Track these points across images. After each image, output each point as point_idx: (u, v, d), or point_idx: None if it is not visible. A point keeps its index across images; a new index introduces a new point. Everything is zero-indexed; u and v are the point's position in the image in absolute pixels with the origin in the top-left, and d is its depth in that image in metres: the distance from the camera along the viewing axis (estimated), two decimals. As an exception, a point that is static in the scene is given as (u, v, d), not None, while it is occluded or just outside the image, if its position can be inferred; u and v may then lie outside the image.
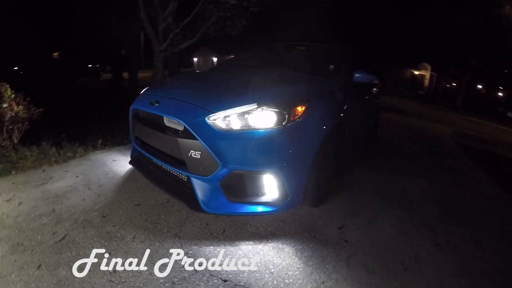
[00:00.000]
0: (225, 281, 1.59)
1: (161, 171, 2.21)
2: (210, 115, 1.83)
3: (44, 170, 2.70)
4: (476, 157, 5.51)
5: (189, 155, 1.84)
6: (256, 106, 1.84)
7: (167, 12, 5.16)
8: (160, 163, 2.11)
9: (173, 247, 1.80)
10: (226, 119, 1.82)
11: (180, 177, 2.05)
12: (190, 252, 1.78)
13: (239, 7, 5.29)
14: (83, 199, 2.25)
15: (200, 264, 1.68)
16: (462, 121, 14.40)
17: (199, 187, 1.90)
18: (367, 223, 2.35)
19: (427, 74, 31.50)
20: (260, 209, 1.91)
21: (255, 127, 1.81)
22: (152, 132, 2.11)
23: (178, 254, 1.75)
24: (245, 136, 1.80)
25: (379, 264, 1.88)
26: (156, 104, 2.07)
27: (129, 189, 2.44)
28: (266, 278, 1.64)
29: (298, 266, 1.76)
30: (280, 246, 1.92)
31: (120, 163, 2.97)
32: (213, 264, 1.69)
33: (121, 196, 2.32)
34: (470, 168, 4.64)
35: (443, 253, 2.10)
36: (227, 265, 1.70)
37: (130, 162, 2.60)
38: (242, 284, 1.59)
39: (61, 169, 2.73)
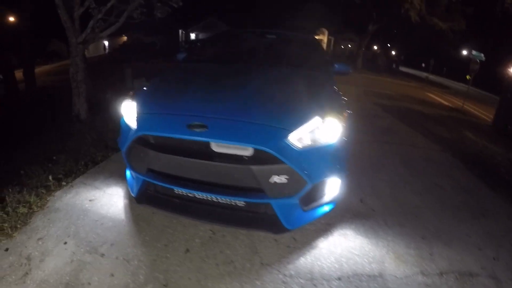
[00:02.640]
0: (348, 277, 1.71)
1: (199, 203, 1.91)
2: (289, 135, 1.75)
3: (6, 250, 1.82)
4: (397, 115, 6.80)
5: (270, 181, 1.70)
6: (320, 119, 1.89)
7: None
8: (200, 194, 1.84)
9: (274, 279, 1.68)
10: (299, 136, 1.80)
11: (233, 203, 1.86)
12: (292, 273, 1.73)
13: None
14: (111, 274, 1.65)
15: (312, 280, 1.68)
16: (366, 80, 16.34)
17: (279, 209, 1.83)
18: (371, 189, 2.84)
19: (324, 38, 34.42)
20: (326, 208, 2.03)
21: (325, 139, 1.86)
22: (186, 161, 1.76)
23: (285, 282, 1.66)
24: (321, 150, 1.84)
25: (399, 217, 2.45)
26: (204, 130, 1.72)
27: (151, 234, 1.97)
28: (357, 260, 1.87)
29: (365, 242, 2.06)
30: (342, 232, 2.16)
31: (103, 202, 2.34)
32: (322, 272, 1.74)
33: (154, 248, 1.84)
34: (399, 126, 5.68)
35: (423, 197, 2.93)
36: (333, 265, 1.81)
37: (140, 201, 2.06)
38: (363, 272, 1.77)
39: (31, 238, 1.93)
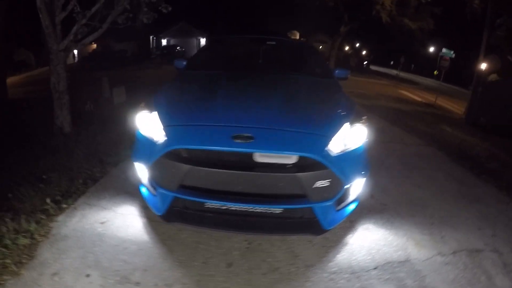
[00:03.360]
0: (382, 266, 1.86)
1: (233, 214, 1.84)
2: (329, 142, 1.82)
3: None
4: (378, 114, 7.07)
5: (313, 186, 1.74)
6: (349, 125, 1.99)
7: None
8: (236, 205, 1.77)
9: (322, 278, 1.74)
10: (335, 142, 1.85)
11: (270, 211, 1.83)
12: (335, 269, 1.80)
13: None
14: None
15: (354, 273, 1.77)
16: (340, 81, 16.81)
17: (320, 211, 1.87)
18: (377, 186, 2.88)
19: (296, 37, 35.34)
20: (352, 206, 2.09)
21: (354, 143, 1.95)
22: (226, 174, 1.72)
23: (332, 279, 1.72)
24: (352, 154, 1.91)
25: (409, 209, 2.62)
26: (250, 141, 1.69)
27: (185, 253, 1.83)
28: (385, 250, 2.02)
29: (387, 233, 2.23)
30: (365, 226, 2.29)
31: (117, 223, 2.11)
32: (359, 265, 1.85)
33: (193, 268, 1.71)
34: (384, 125, 5.96)
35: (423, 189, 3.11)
36: (366, 257, 1.92)
37: (169, 219, 1.92)
38: (392, 260, 1.94)
39: (43, 274, 1.63)
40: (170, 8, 4.54)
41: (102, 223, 2.11)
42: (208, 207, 1.82)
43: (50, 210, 2.24)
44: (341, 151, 1.85)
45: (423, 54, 24.51)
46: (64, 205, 2.34)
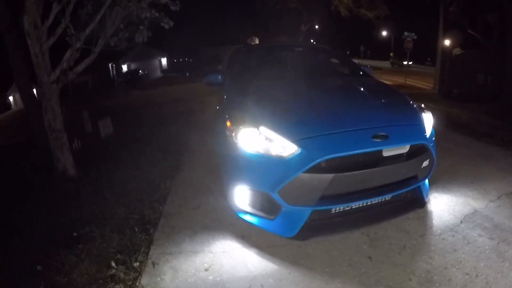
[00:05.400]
0: (465, 218, 2.27)
1: (354, 213, 1.95)
2: (425, 128, 2.12)
3: None
4: None
5: (422, 166, 2.03)
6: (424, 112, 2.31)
7: (67, 19, 3.23)
8: (363, 202, 1.89)
9: (439, 240, 2.03)
10: (427, 128, 2.16)
11: (382, 201, 1.98)
12: (444, 230, 2.12)
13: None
14: None
15: (455, 228, 2.15)
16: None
17: (422, 187, 2.22)
18: None
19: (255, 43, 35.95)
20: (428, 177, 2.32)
21: (430, 127, 2.25)
22: (362, 174, 1.80)
23: (444, 238, 2.07)
24: (432, 135, 2.25)
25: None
26: (386, 138, 1.82)
27: (325, 265, 1.78)
28: (457, 208, 2.40)
29: (450, 196, 2.60)
30: (434, 195, 2.60)
31: (226, 263, 1.76)
32: (454, 222, 2.23)
33: (344, 273, 1.70)
34: None
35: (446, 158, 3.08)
36: (452, 216, 2.31)
37: (304, 237, 1.88)
38: (467, 213, 2.34)
39: None
40: (172, 23, 4.14)
41: (206, 270, 1.71)
42: (334, 212, 1.89)
43: (120, 275, 1.75)
44: (429, 134, 2.15)
45: (380, 39, 25.84)
46: (136, 263, 1.85)
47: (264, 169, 1.81)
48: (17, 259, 2.23)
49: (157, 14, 3.88)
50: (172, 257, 1.88)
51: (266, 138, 1.82)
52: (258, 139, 1.84)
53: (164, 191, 2.90)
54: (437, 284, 1.64)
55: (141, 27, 4.11)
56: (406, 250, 1.92)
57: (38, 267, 1.96)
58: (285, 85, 2.73)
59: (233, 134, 1.96)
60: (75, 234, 2.33)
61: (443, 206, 2.44)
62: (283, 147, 1.77)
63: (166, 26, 4.10)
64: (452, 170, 3.11)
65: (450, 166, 3.20)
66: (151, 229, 2.23)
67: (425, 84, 15.13)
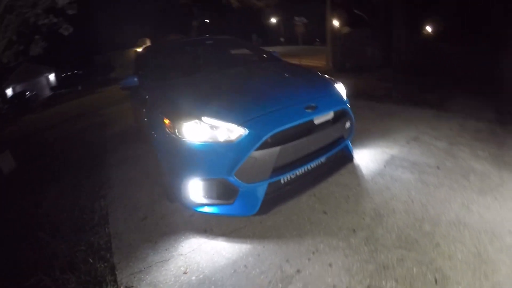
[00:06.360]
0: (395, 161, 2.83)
1: (300, 178, 2.15)
2: (344, 95, 2.53)
3: None
4: None
5: (346, 127, 2.37)
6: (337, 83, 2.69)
7: None
8: (304, 168, 2.12)
9: (380, 177, 2.51)
10: (343, 94, 2.56)
11: (319, 164, 2.24)
12: (378, 173, 2.60)
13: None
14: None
15: (385, 173, 2.62)
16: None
17: (349, 144, 2.57)
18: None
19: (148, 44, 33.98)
20: None
21: (345, 94, 2.64)
22: (299, 143, 2.00)
23: (383, 174, 2.58)
24: (347, 99, 2.61)
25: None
26: (315, 108, 2.09)
27: (292, 229, 1.85)
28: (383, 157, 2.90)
29: (375, 148, 3.12)
30: (357, 150, 3.02)
31: (199, 259, 1.75)
32: (381, 167, 2.74)
33: (310, 232, 1.72)
34: None
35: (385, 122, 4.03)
36: (382, 160, 2.83)
37: (265, 210, 2.00)
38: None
39: None
40: (71, 29, 3.65)
41: (185, 272, 1.69)
42: (284, 181, 2.06)
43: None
44: (346, 100, 2.49)
45: (270, 26, 27.33)
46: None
47: (216, 156, 1.85)
48: None
49: (55, 20, 3.39)
50: (144, 273, 1.79)
51: (212, 127, 1.87)
52: (203, 129, 1.88)
53: (101, 212, 2.63)
54: (385, 215, 2.02)
55: (36, 37, 3.53)
56: (350, 198, 2.28)
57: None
58: (208, 77, 2.81)
59: (176, 130, 1.94)
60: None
61: (366, 158, 2.89)
62: (230, 131, 1.85)
63: (65, 33, 3.61)
64: (365, 129, 3.62)
65: (361, 127, 3.61)
66: (106, 254, 2.04)
67: (319, 62, 16.78)
